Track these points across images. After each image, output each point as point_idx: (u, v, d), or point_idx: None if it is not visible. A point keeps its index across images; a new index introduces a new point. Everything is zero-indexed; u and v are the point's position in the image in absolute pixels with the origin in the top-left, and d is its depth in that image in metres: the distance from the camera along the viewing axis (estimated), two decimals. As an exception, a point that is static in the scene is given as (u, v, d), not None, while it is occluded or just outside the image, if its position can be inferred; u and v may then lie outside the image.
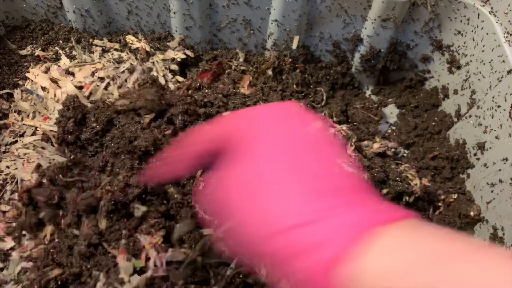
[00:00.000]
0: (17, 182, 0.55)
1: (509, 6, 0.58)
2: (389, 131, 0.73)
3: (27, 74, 0.69)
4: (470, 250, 0.21)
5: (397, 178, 0.55)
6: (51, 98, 0.65)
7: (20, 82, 0.68)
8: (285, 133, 0.29)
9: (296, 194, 0.25)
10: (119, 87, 0.67)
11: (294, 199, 0.25)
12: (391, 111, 0.77)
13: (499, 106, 0.57)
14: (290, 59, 0.74)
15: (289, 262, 0.24)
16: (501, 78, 0.58)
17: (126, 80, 0.69)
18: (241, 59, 0.76)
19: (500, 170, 0.56)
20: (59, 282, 0.40)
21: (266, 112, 0.31)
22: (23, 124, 0.63)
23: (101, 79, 0.67)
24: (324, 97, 0.74)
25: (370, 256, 0.22)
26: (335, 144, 0.29)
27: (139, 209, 0.41)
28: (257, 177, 0.27)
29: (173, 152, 0.36)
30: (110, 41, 0.75)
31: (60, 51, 0.72)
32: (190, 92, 0.64)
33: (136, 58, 0.72)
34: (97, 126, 0.52)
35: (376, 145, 0.59)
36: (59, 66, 0.69)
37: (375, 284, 0.21)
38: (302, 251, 0.23)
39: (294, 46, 0.74)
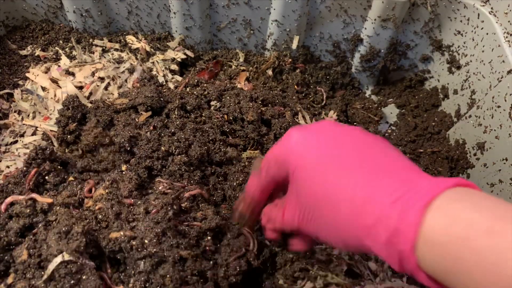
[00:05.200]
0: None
1: (509, 6, 0.58)
2: (389, 131, 0.73)
3: (27, 74, 0.69)
4: None
5: None
6: (51, 98, 0.65)
7: (20, 82, 0.69)
8: (348, 136, 0.32)
9: (379, 177, 0.28)
10: (119, 87, 0.67)
11: (381, 181, 0.28)
12: (391, 111, 0.77)
13: (499, 106, 0.57)
14: (290, 59, 0.74)
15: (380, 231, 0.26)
16: (501, 78, 0.58)
17: (126, 80, 0.69)
18: (241, 59, 0.76)
19: (500, 170, 0.56)
20: None
21: (322, 127, 0.34)
22: (23, 124, 0.63)
23: (101, 79, 0.67)
24: (324, 97, 0.74)
25: (444, 211, 0.24)
26: (378, 140, 0.32)
27: None
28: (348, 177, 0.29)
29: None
30: (110, 41, 0.75)
31: (60, 51, 0.72)
32: (188, 89, 0.64)
33: (136, 58, 0.72)
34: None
35: None
36: (59, 66, 0.69)
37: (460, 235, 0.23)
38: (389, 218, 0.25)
39: (294, 46, 0.74)
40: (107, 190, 0.44)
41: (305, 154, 0.32)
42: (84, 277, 0.37)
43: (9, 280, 0.39)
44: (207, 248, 0.42)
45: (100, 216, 0.42)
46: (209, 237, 0.42)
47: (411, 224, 0.24)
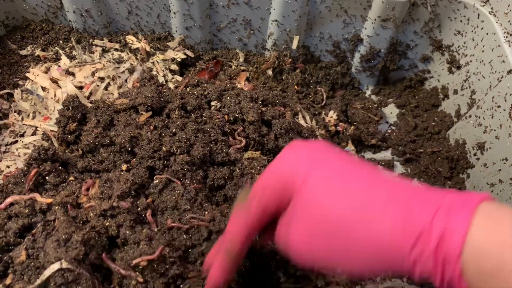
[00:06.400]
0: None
1: (509, 6, 0.58)
2: (389, 131, 0.73)
3: (27, 74, 0.69)
4: None
5: None
6: (51, 98, 0.65)
7: (20, 82, 0.68)
8: (339, 157, 0.30)
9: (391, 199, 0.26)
10: (119, 87, 0.67)
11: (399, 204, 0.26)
12: (391, 111, 0.77)
13: (499, 106, 0.57)
14: (290, 59, 0.74)
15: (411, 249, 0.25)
16: (501, 78, 0.58)
17: (126, 80, 0.69)
18: (241, 59, 0.76)
19: (500, 170, 0.56)
20: None
21: (313, 146, 0.31)
22: (23, 124, 0.63)
23: (101, 79, 0.67)
24: (324, 97, 0.74)
25: (481, 230, 0.23)
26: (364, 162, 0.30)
27: None
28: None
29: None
30: (110, 41, 0.75)
31: (60, 51, 0.72)
32: (188, 89, 0.64)
33: (136, 58, 0.72)
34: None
35: None
36: (59, 66, 0.69)
37: (496, 255, 0.23)
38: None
39: (294, 46, 0.74)
40: (100, 189, 0.44)
41: (316, 172, 0.28)
42: (79, 287, 0.37)
43: (8, 281, 0.39)
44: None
45: (91, 214, 0.42)
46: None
47: (459, 230, 0.23)
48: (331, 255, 0.28)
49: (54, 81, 0.67)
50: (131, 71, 0.70)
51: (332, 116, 0.71)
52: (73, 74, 0.68)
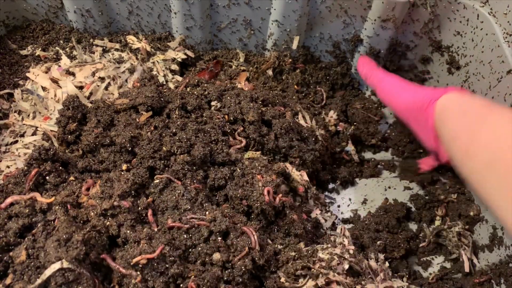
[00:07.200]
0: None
1: (508, 7, 0.58)
2: (389, 131, 0.73)
3: (27, 74, 0.69)
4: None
5: None
6: (52, 98, 0.65)
7: (21, 82, 0.69)
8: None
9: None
10: (120, 87, 0.67)
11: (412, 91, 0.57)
12: (391, 111, 0.77)
13: (498, 106, 0.58)
14: (290, 59, 0.74)
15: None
16: (501, 78, 0.58)
17: (126, 80, 0.69)
18: (241, 59, 0.76)
19: (499, 170, 0.56)
20: None
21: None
22: (24, 124, 0.63)
23: (102, 79, 0.67)
24: (324, 97, 0.74)
25: (446, 102, 0.50)
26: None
27: None
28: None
29: None
30: (110, 41, 0.75)
31: (61, 51, 0.72)
32: (188, 89, 0.65)
33: (137, 58, 0.72)
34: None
35: None
36: (59, 66, 0.69)
37: (456, 110, 0.48)
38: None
39: (294, 46, 0.74)
40: (101, 189, 0.44)
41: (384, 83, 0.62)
42: (80, 287, 0.37)
43: (8, 280, 0.39)
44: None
45: (92, 214, 0.42)
46: (219, 238, 0.42)
47: (437, 98, 0.51)
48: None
49: (55, 81, 0.67)
50: (132, 71, 0.70)
51: (332, 116, 0.71)
52: (73, 74, 0.68)
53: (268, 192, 0.47)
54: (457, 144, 0.45)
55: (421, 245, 0.60)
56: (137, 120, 0.54)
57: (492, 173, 0.38)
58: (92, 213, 0.43)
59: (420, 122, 0.54)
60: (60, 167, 0.49)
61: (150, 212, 0.44)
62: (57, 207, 0.43)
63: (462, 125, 0.45)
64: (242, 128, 0.57)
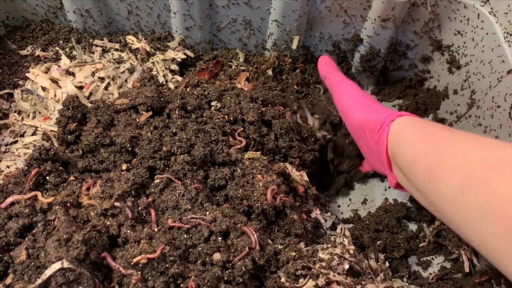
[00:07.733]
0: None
1: (509, 6, 0.58)
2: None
3: (27, 74, 0.69)
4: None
5: None
6: (51, 98, 0.65)
7: (21, 82, 0.69)
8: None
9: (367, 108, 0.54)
10: (119, 87, 0.67)
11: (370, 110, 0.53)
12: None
13: (498, 106, 0.57)
14: (290, 59, 0.74)
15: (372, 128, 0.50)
16: (501, 78, 0.58)
17: (126, 80, 0.69)
18: (241, 59, 0.76)
19: (500, 169, 0.56)
20: None
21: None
22: (23, 124, 0.63)
23: (101, 79, 0.67)
24: (321, 92, 0.74)
25: (402, 123, 0.47)
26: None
27: None
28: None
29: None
30: (110, 41, 0.75)
31: (61, 51, 0.72)
32: (188, 89, 0.64)
33: (136, 58, 0.72)
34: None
35: None
36: (59, 66, 0.69)
37: (407, 133, 0.46)
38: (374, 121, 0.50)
39: (294, 46, 0.74)
40: (101, 189, 0.44)
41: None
42: (80, 287, 0.37)
43: (8, 280, 0.38)
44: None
45: (92, 213, 0.42)
46: (219, 238, 0.42)
47: (389, 121, 0.48)
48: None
49: (54, 81, 0.67)
50: (131, 71, 0.70)
51: (332, 116, 0.71)
52: (73, 74, 0.68)
53: (273, 191, 0.47)
54: (417, 168, 0.42)
55: (421, 245, 0.60)
56: (137, 120, 0.54)
57: (465, 196, 0.36)
58: (92, 213, 0.43)
59: (370, 144, 0.51)
60: (60, 167, 0.49)
61: (153, 212, 0.44)
62: (57, 207, 0.43)
63: (422, 149, 0.42)
64: (242, 128, 0.57)
